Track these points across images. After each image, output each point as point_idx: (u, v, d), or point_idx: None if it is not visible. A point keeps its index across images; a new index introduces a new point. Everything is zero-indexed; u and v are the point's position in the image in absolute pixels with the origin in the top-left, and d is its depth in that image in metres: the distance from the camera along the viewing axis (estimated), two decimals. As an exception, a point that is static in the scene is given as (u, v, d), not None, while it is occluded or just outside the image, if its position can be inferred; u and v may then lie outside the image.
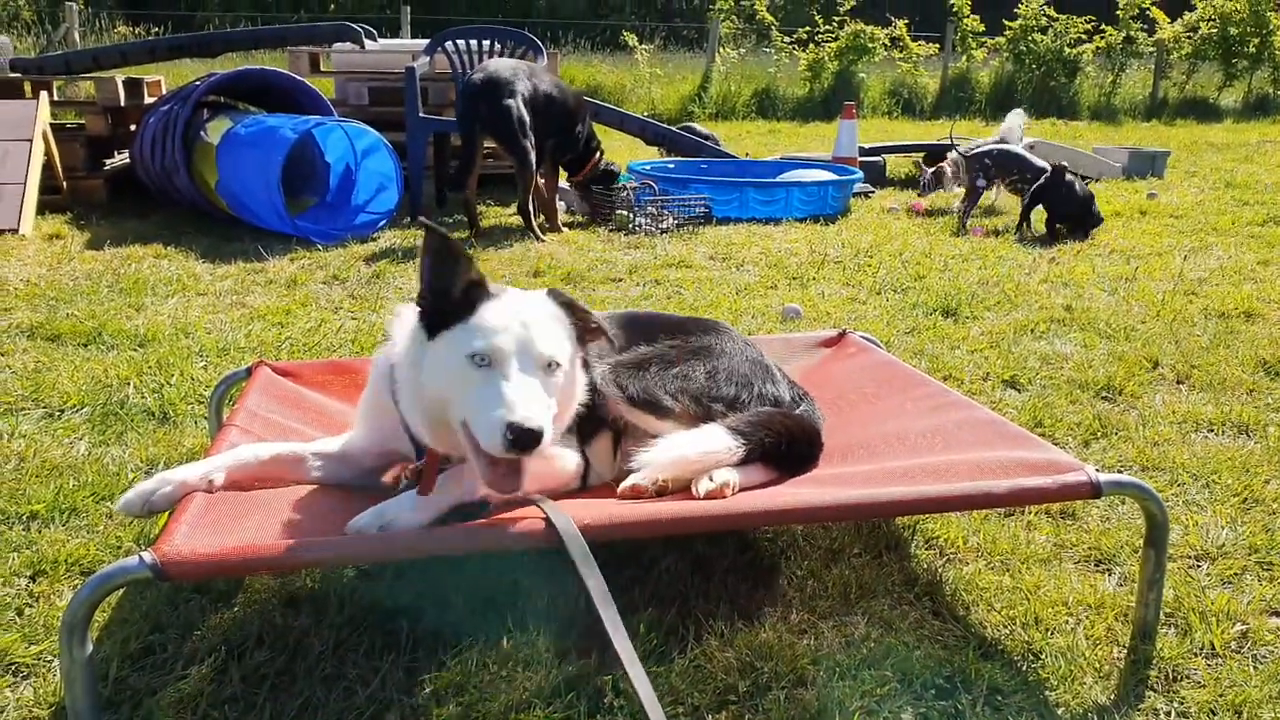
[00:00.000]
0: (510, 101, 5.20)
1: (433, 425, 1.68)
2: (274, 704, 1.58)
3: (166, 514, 1.69)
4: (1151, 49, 15.62)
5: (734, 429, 1.89)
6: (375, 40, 6.98)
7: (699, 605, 1.86)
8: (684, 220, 5.87)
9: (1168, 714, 1.63)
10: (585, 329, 1.77)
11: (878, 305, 4.18)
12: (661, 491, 1.82)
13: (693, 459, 1.82)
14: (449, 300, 1.63)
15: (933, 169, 6.85)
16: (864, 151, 7.90)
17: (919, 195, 6.90)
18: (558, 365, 1.63)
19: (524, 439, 1.49)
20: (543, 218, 5.69)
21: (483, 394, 1.55)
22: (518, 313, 1.62)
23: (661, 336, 2.09)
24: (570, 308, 1.74)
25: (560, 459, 1.84)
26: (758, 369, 2.09)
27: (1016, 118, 7.15)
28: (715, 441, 1.85)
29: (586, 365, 1.88)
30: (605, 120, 8.32)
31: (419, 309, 1.67)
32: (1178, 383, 3.26)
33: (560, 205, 6.30)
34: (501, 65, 5.43)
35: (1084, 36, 15.07)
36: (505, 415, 1.50)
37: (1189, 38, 15.57)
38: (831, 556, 2.07)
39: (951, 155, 6.66)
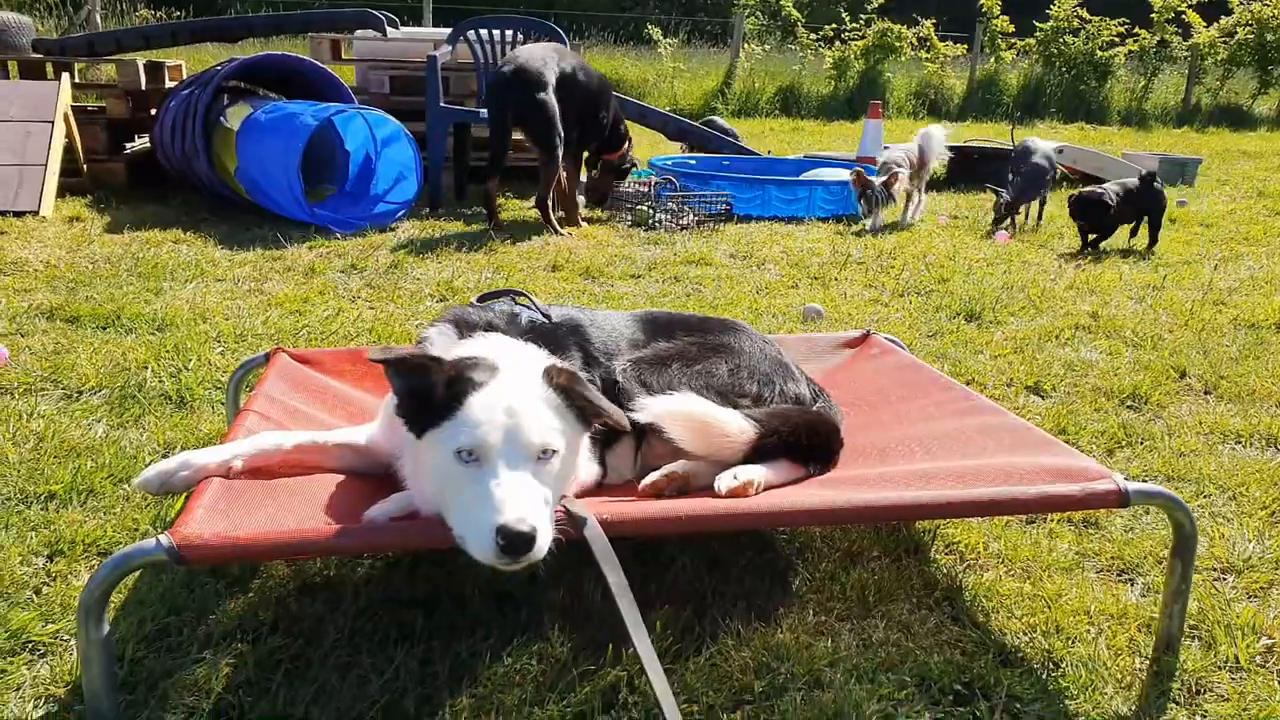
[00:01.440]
0: (542, 95, 5.16)
1: (431, 507, 1.59)
2: (288, 690, 1.57)
3: (183, 498, 1.69)
4: (1186, 54, 15.39)
5: (749, 415, 1.87)
6: (398, 28, 6.98)
7: (715, 604, 1.85)
8: (705, 217, 5.84)
9: (1191, 729, 1.60)
10: (590, 411, 1.62)
11: (900, 307, 4.14)
12: (682, 489, 1.81)
13: (696, 415, 1.80)
14: (431, 401, 1.53)
15: (882, 180, 5.94)
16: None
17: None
18: (552, 452, 1.51)
19: (516, 543, 1.37)
20: (562, 212, 5.66)
21: (470, 495, 1.44)
22: (505, 401, 1.51)
23: (681, 334, 2.08)
24: (567, 392, 1.59)
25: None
26: (778, 367, 2.07)
27: (938, 130, 6.49)
28: (726, 415, 1.83)
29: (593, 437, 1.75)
30: (628, 114, 8.29)
31: (400, 417, 1.58)
32: (1205, 393, 3.21)
33: (579, 200, 6.28)
34: (532, 54, 5.35)
35: (1116, 39, 14.85)
36: (494, 519, 1.38)
37: (1224, 43, 15.31)
38: (850, 559, 2.05)
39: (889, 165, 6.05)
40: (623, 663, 1.64)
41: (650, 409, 1.80)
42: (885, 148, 6.58)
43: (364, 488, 1.81)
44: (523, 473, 1.47)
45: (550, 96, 5.19)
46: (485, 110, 5.53)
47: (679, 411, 1.80)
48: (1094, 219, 5.40)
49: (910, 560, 2.06)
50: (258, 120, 5.38)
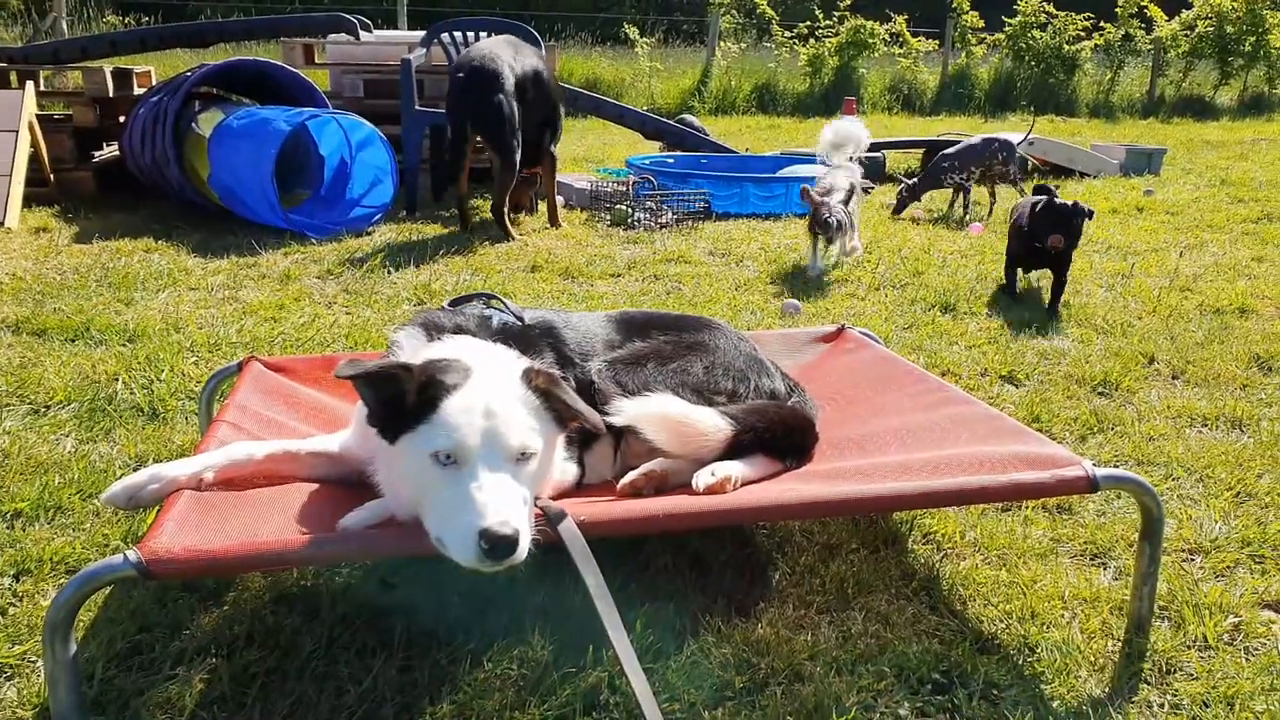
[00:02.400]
0: (500, 97, 4.99)
1: (407, 512, 1.59)
2: (264, 703, 1.56)
3: (154, 512, 1.67)
4: (1149, 47, 15.61)
5: (725, 412, 1.88)
6: (371, 32, 6.94)
7: (696, 601, 1.85)
8: (683, 215, 5.84)
9: (1161, 706, 1.62)
10: (567, 414, 1.62)
11: (876, 301, 4.16)
12: (660, 487, 1.81)
13: (673, 416, 1.80)
14: (404, 407, 1.52)
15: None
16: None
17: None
18: (531, 454, 1.51)
19: (499, 546, 1.36)
20: (521, 215, 5.56)
21: (450, 498, 1.43)
22: (483, 402, 1.50)
23: (655, 333, 2.08)
24: (545, 394, 1.59)
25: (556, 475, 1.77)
26: (753, 363, 2.07)
27: (852, 125, 5.51)
28: (702, 414, 1.84)
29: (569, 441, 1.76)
30: (605, 114, 8.29)
31: (372, 426, 1.57)
32: (1173, 378, 3.26)
33: (559, 200, 6.27)
34: (487, 53, 5.13)
35: (1082, 34, 15.04)
36: (476, 521, 1.37)
37: (1186, 36, 15.56)
38: (829, 552, 2.06)
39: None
40: (604, 663, 1.64)
41: (626, 411, 1.80)
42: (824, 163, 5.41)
43: (338, 496, 1.79)
44: (503, 474, 1.46)
45: (508, 98, 5.01)
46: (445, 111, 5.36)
47: (654, 413, 1.81)
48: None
49: (888, 551, 2.08)
50: (230, 126, 5.33)
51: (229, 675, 1.61)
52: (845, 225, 4.63)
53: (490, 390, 1.54)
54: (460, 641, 1.71)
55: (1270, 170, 8.34)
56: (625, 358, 1.98)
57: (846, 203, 4.74)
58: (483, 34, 6.34)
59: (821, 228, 4.53)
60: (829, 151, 5.27)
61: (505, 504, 1.41)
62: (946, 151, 6.17)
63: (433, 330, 1.84)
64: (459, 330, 1.85)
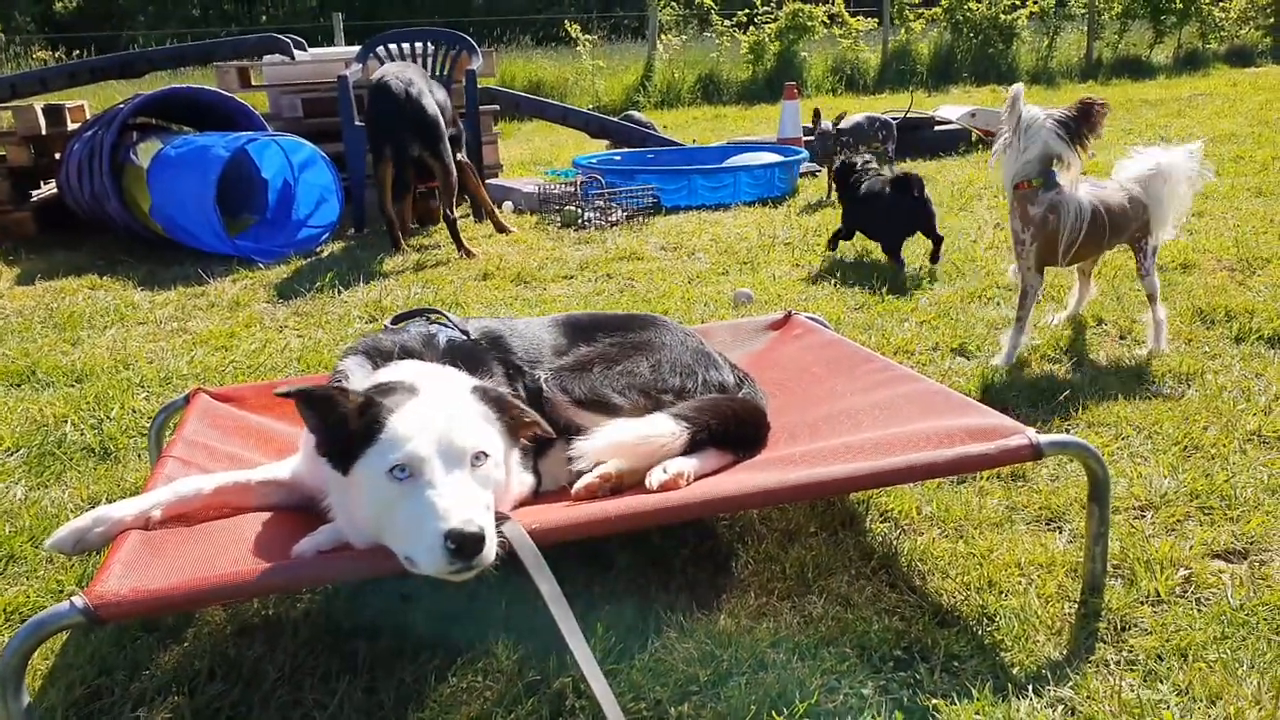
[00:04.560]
0: (427, 106, 4.94)
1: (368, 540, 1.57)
2: (229, 738, 1.54)
3: (105, 553, 1.65)
4: (1084, 10, 15.89)
5: (678, 415, 1.89)
6: (305, 50, 6.84)
7: (659, 598, 1.86)
8: (633, 212, 5.85)
9: (1117, 664, 1.66)
10: (520, 423, 1.65)
11: (827, 284, 4.20)
12: (617, 488, 1.82)
13: (630, 442, 1.82)
14: (348, 432, 1.52)
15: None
16: (808, 131, 7.92)
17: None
18: (484, 455, 1.52)
19: (467, 545, 1.36)
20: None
21: (410, 511, 1.42)
22: (430, 411, 1.51)
23: (600, 336, 2.09)
24: (500, 404, 1.62)
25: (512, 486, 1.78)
26: (700, 357, 2.09)
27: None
28: (656, 426, 1.85)
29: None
30: (549, 116, 8.26)
31: (323, 458, 1.56)
32: (1120, 339, 3.33)
33: (506, 205, 6.25)
34: (397, 72, 5.08)
35: (1019, 2, 15.28)
36: (439, 525, 1.37)
37: (1118, -3, 15.87)
38: (789, 537, 2.08)
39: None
40: (568, 668, 1.65)
41: (587, 454, 1.81)
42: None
43: (292, 522, 1.78)
44: (460, 475, 1.47)
45: (433, 106, 5.00)
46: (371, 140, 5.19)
47: (611, 444, 1.82)
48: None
49: (846, 532, 2.10)
50: (168, 155, 5.24)
51: (191, 712, 1.59)
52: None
53: (438, 401, 1.55)
54: (425, 658, 1.71)
55: (1208, 126, 8.54)
56: (571, 365, 1.98)
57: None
58: (417, 45, 6.30)
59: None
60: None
61: (467, 504, 1.42)
62: (840, 127, 6.29)
63: (376, 357, 1.83)
64: (405, 353, 1.84)
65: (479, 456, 1.51)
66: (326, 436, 1.55)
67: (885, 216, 4.45)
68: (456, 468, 1.47)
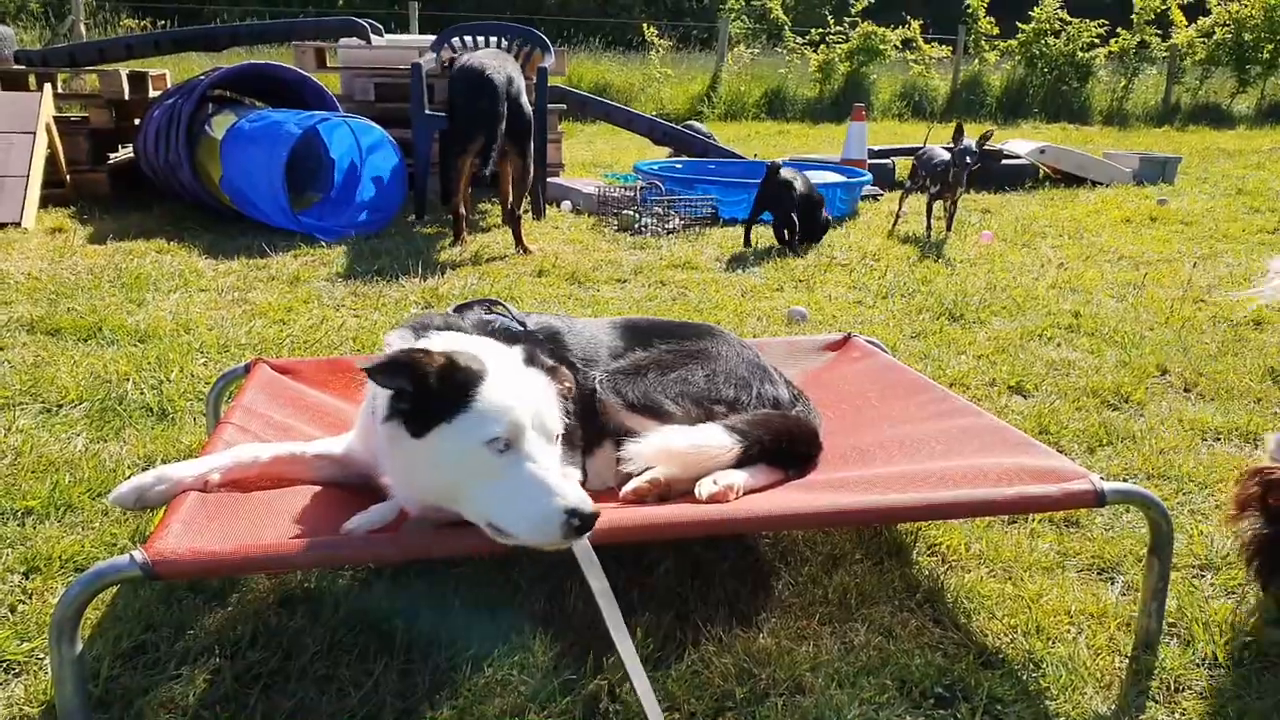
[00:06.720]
0: (522, 101, 4.99)
1: (426, 505, 1.60)
2: (266, 705, 1.56)
3: (161, 511, 1.68)
4: (1165, 54, 15.55)
5: (731, 427, 1.87)
6: (382, 36, 6.97)
7: (697, 610, 1.84)
8: (690, 221, 5.84)
9: (1170, 727, 1.60)
10: (565, 392, 1.68)
11: (884, 309, 4.15)
12: (664, 495, 1.81)
13: (682, 449, 1.80)
14: (428, 397, 1.50)
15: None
16: (873, 154, 7.86)
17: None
18: (558, 437, 1.56)
19: (587, 523, 1.41)
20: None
21: (514, 485, 1.45)
22: (521, 386, 1.54)
23: (658, 342, 2.08)
24: (554, 373, 1.66)
25: None
26: (756, 370, 2.07)
27: None
28: (710, 436, 1.84)
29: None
30: (615, 120, 8.31)
31: (394, 419, 1.53)
32: (1185, 390, 3.23)
33: (565, 204, 6.29)
34: (489, 62, 5.01)
35: (1097, 40, 15.00)
36: (559, 503, 1.41)
37: (1203, 43, 15.48)
38: (832, 562, 2.05)
39: None
40: (604, 671, 1.64)
41: (638, 458, 1.81)
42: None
43: (343, 499, 1.80)
44: (553, 451, 1.50)
45: (528, 103, 5.07)
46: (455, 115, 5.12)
47: (663, 450, 1.81)
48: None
49: (892, 562, 2.07)
50: (242, 129, 5.37)
51: (232, 675, 1.61)
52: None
53: (519, 375, 1.58)
54: (461, 646, 1.71)
55: (1285, 180, 8.28)
56: (626, 368, 1.98)
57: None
58: (492, 39, 6.37)
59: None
60: None
61: (570, 483, 1.45)
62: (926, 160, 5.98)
63: (419, 330, 1.80)
64: (448, 328, 1.83)
65: (555, 438, 1.55)
66: (405, 401, 1.52)
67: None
68: (546, 446, 1.51)
